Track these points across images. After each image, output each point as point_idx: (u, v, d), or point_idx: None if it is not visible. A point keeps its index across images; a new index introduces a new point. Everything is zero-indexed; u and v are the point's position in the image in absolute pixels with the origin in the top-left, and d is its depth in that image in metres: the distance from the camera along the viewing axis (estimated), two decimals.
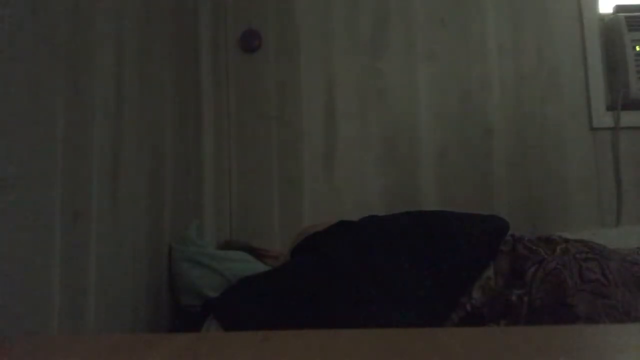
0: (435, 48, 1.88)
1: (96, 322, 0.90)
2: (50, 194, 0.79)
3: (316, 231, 1.23)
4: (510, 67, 1.87)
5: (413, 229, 1.15)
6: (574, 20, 1.89)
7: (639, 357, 0.41)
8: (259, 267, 1.34)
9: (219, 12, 1.89)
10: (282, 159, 1.84)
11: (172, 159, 1.39)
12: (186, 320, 1.29)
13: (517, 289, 1.02)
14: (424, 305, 1.01)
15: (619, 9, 1.89)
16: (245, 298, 1.08)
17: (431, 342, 0.45)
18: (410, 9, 1.89)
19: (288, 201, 1.82)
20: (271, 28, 1.89)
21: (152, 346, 0.47)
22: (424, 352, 0.43)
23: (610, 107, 1.87)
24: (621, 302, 0.96)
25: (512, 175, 1.83)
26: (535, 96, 1.87)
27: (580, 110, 1.85)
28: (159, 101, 1.31)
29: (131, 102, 1.11)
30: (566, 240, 1.11)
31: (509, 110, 1.86)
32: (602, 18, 1.90)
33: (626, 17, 1.83)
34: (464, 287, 1.06)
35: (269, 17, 1.90)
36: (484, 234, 1.16)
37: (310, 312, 0.99)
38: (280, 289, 1.07)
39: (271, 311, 1.02)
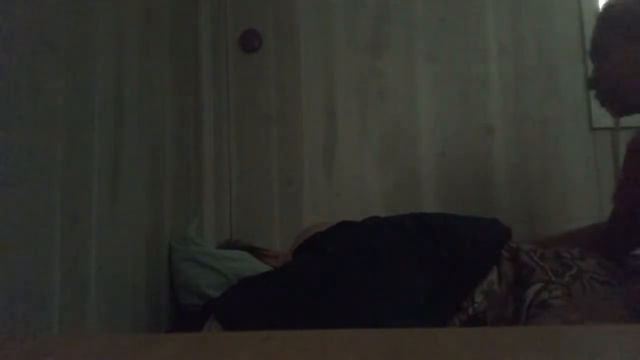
0: (435, 48, 1.88)
1: (96, 322, 0.90)
2: (50, 194, 0.79)
3: (318, 231, 1.23)
4: (510, 67, 1.87)
5: (416, 230, 1.14)
6: (574, 20, 1.89)
7: (639, 357, 0.41)
8: (259, 266, 1.34)
9: (219, 12, 1.89)
10: (282, 159, 1.84)
11: (172, 159, 1.39)
12: (186, 320, 1.29)
13: (519, 301, 1.00)
14: (426, 306, 1.01)
15: None
16: (247, 298, 1.09)
17: (431, 342, 0.45)
18: (410, 9, 1.89)
19: (288, 201, 1.82)
20: (271, 28, 1.89)
21: (152, 346, 0.47)
22: (424, 352, 0.43)
23: None
24: None
25: (512, 175, 1.83)
26: (535, 96, 1.87)
27: (580, 110, 1.85)
28: (159, 101, 1.31)
29: (131, 102, 1.11)
30: (581, 259, 1.08)
31: (509, 110, 1.86)
32: None
33: None
34: (466, 290, 1.05)
35: (269, 17, 1.89)
36: (487, 237, 1.16)
37: (311, 312, 0.99)
38: (281, 290, 1.07)
39: (272, 312, 1.03)
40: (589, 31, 1.88)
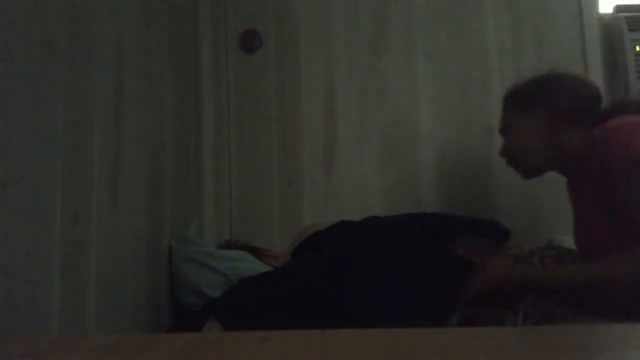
0: (435, 48, 1.87)
1: (96, 322, 0.90)
2: (50, 194, 0.79)
3: (317, 231, 1.23)
4: (510, 67, 1.86)
5: (415, 230, 1.15)
6: (574, 20, 1.88)
7: (638, 357, 0.41)
8: (259, 266, 1.34)
9: (219, 12, 1.88)
10: (282, 159, 1.84)
11: (172, 159, 1.39)
12: (186, 320, 1.29)
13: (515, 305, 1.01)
14: (424, 305, 1.01)
15: (619, 9, 1.89)
16: (247, 298, 1.09)
17: (431, 342, 0.45)
18: (410, 9, 1.89)
19: (288, 201, 1.82)
20: (271, 28, 1.89)
21: (152, 346, 0.47)
22: (424, 352, 0.43)
23: None
24: None
25: (512, 175, 1.83)
26: None
27: None
28: (159, 101, 1.31)
29: (131, 102, 1.11)
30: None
31: None
32: (602, 18, 1.90)
33: (626, 17, 1.83)
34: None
35: (269, 17, 1.89)
36: (487, 238, 1.16)
37: (311, 312, 0.99)
38: (281, 289, 1.07)
39: (272, 311, 1.03)
40: (589, 31, 1.89)
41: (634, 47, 1.81)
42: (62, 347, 0.50)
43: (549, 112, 1.19)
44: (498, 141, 1.89)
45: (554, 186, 1.82)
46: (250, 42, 1.87)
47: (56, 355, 0.47)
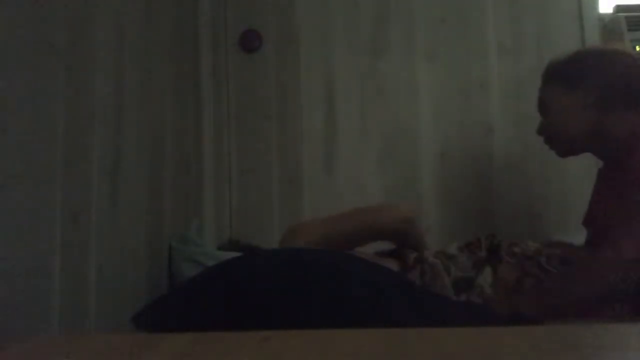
0: (435, 48, 1.87)
1: (96, 322, 0.90)
2: (50, 194, 0.79)
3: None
4: (510, 67, 1.86)
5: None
6: (574, 20, 1.88)
7: (638, 357, 0.41)
8: None
9: (219, 12, 1.88)
10: (282, 159, 1.84)
11: (172, 159, 1.39)
12: None
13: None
14: None
15: (619, 9, 1.89)
16: None
17: (431, 342, 0.45)
18: (410, 8, 1.89)
19: (288, 201, 1.82)
20: (271, 28, 1.89)
21: (152, 346, 0.47)
22: (424, 352, 0.43)
23: None
24: None
25: (512, 175, 1.83)
26: (535, 96, 1.86)
27: None
28: (159, 101, 1.31)
29: (131, 102, 1.11)
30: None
31: (509, 110, 1.85)
32: (602, 18, 1.90)
33: (626, 17, 1.83)
34: None
35: (269, 17, 1.89)
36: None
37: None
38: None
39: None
40: (589, 31, 1.88)
41: (634, 47, 1.81)
42: (62, 347, 0.50)
43: (594, 90, 1.11)
44: (498, 141, 1.89)
45: (554, 186, 1.83)
46: (250, 42, 1.87)
47: (57, 355, 0.47)
